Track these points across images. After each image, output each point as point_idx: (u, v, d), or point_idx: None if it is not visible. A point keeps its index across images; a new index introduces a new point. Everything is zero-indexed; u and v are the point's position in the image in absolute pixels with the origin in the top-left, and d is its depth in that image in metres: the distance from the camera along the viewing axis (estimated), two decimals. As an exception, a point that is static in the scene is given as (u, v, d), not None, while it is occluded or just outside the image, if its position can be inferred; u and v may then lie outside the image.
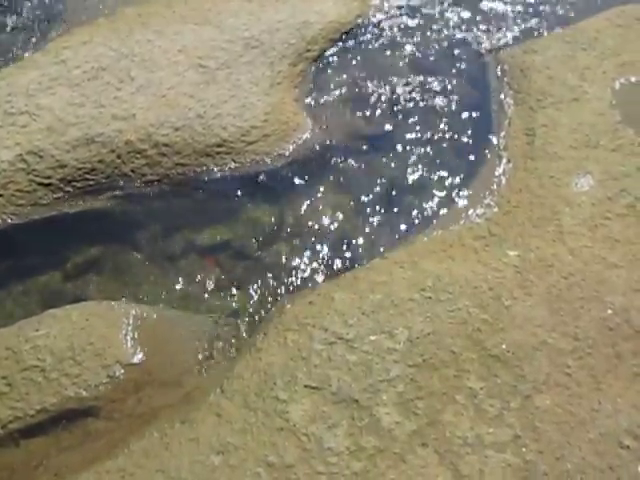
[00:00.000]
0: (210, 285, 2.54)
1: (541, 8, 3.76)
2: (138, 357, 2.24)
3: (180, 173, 2.84)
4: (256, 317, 2.40)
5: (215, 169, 2.87)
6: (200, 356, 2.30)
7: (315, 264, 2.56)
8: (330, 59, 3.47)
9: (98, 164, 2.81)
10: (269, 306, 2.43)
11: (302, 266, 2.56)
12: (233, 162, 2.88)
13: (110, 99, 3.00)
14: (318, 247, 2.63)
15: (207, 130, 2.90)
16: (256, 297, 2.47)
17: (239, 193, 2.85)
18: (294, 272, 2.54)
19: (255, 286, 2.51)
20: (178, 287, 2.57)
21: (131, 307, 2.42)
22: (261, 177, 2.88)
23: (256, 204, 2.81)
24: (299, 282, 2.50)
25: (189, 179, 2.85)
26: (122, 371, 2.19)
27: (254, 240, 2.71)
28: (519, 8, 3.76)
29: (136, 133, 2.86)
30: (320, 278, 2.51)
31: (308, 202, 2.81)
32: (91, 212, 2.80)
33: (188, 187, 2.85)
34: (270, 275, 2.55)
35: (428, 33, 3.62)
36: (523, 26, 3.63)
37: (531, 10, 3.74)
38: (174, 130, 2.87)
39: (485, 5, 3.79)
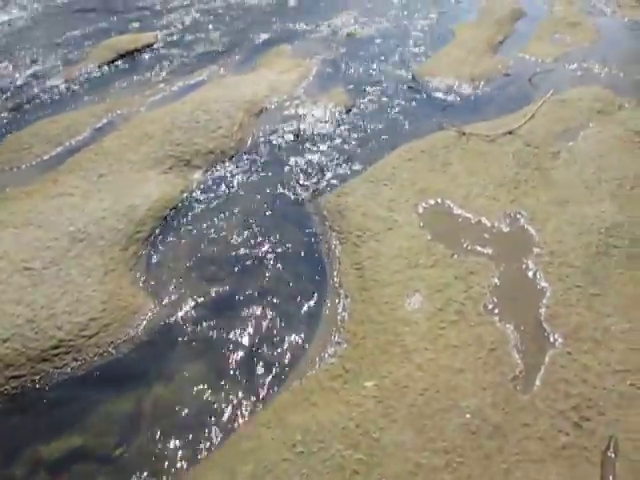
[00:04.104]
0: (66, 506, 2.26)
1: (345, 155, 4.29)
2: None
3: (16, 387, 2.62)
4: (124, 528, 2.15)
5: (56, 373, 2.69)
6: None
7: (182, 448, 2.41)
8: (163, 235, 3.57)
9: None
10: (137, 511, 2.21)
11: (168, 453, 2.40)
12: (75, 361, 2.73)
13: None
14: (182, 428, 2.49)
15: (40, 334, 2.75)
16: (121, 505, 2.24)
17: (87, 391, 2.67)
18: (160, 463, 2.36)
19: (118, 492, 2.29)
20: (29, 519, 2.25)
21: None
22: (109, 369, 2.75)
23: (108, 398, 2.64)
24: (167, 472, 2.32)
25: (27, 390, 2.63)
26: None
27: (112, 438, 2.50)
28: (327, 158, 4.26)
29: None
30: (189, 461, 2.36)
31: (164, 383, 2.71)
32: None
33: (28, 399, 2.62)
34: (134, 474, 2.34)
35: (251, 193, 3.92)
36: (333, 173, 4.09)
37: (337, 158, 4.26)
38: (2, 342, 2.69)
39: (298, 161, 4.24)
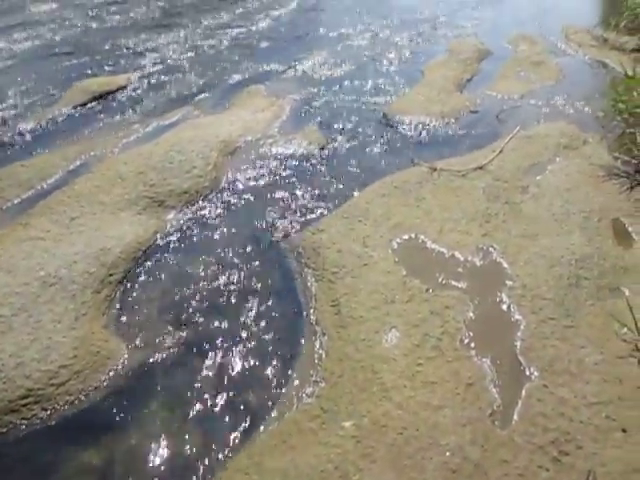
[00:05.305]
0: None
1: (319, 192, 4.33)
2: None
3: (-19, 441, 2.52)
4: None
5: (24, 424, 2.59)
6: None
7: (155, 499, 2.34)
8: (136, 277, 3.52)
9: None
10: None
11: (141, 506, 2.32)
12: (44, 410, 2.64)
13: None
14: (156, 478, 2.42)
15: (8, 384, 2.66)
16: None
17: (57, 443, 2.57)
18: (132, 517, 2.28)
19: None
20: None
21: None
22: (80, 418, 2.66)
23: (78, 450, 2.54)
24: (139, 528, 2.24)
25: (-6, 444, 2.53)
26: None
27: (82, 494, 2.41)
28: (301, 196, 4.29)
29: None
30: (163, 514, 2.28)
31: (138, 429, 2.63)
32: None
33: (-6, 453, 2.52)
34: (105, 530, 2.25)
35: (225, 233, 3.91)
36: (307, 210, 4.11)
37: (311, 196, 4.29)
38: (-33, 395, 2.59)
39: (272, 199, 4.26)
